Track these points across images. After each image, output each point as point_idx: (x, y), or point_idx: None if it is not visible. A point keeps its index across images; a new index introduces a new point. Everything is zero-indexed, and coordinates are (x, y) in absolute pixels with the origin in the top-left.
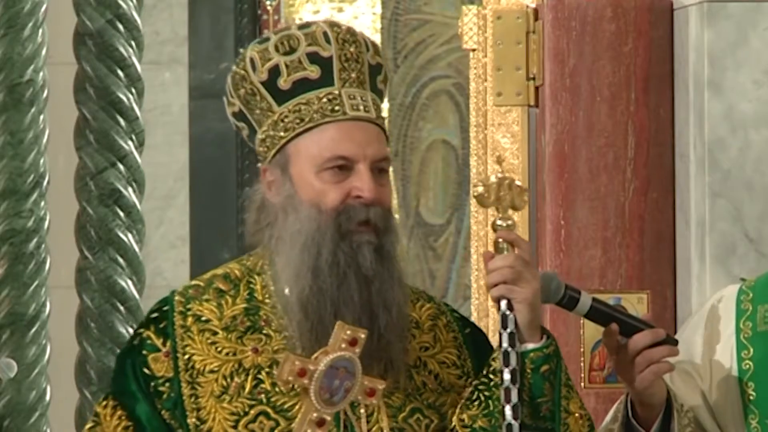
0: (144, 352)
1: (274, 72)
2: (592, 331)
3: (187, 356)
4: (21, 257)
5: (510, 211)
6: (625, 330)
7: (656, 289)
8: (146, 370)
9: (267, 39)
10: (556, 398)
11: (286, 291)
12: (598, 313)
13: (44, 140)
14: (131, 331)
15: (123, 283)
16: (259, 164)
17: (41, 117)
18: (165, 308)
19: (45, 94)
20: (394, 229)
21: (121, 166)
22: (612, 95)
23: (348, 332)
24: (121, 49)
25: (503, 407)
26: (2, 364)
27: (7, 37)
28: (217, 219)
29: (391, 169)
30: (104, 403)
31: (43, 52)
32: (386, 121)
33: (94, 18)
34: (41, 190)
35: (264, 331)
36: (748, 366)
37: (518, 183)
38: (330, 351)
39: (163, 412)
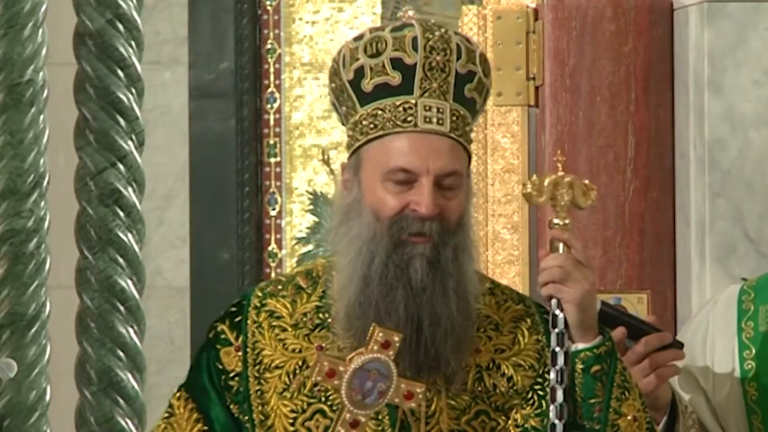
0: (217, 346)
1: (360, 73)
2: None
3: (256, 351)
4: (21, 257)
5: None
6: (633, 333)
7: (656, 289)
8: (218, 365)
9: (361, 37)
10: (606, 399)
11: (339, 297)
12: (607, 317)
13: (44, 140)
14: (131, 331)
15: (123, 283)
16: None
17: (41, 117)
18: (243, 302)
19: (45, 94)
20: (458, 243)
21: (121, 166)
22: (612, 95)
23: (380, 335)
24: (121, 49)
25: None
26: (2, 364)
27: (7, 37)
28: (217, 219)
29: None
30: (177, 394)
31: (43, 52)
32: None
33: (94, 18)
34: (41, 190)
35: (333, 329)
36: (750, 366)
37: (585, 181)
38: (363, 353)
39: (231, 406)
